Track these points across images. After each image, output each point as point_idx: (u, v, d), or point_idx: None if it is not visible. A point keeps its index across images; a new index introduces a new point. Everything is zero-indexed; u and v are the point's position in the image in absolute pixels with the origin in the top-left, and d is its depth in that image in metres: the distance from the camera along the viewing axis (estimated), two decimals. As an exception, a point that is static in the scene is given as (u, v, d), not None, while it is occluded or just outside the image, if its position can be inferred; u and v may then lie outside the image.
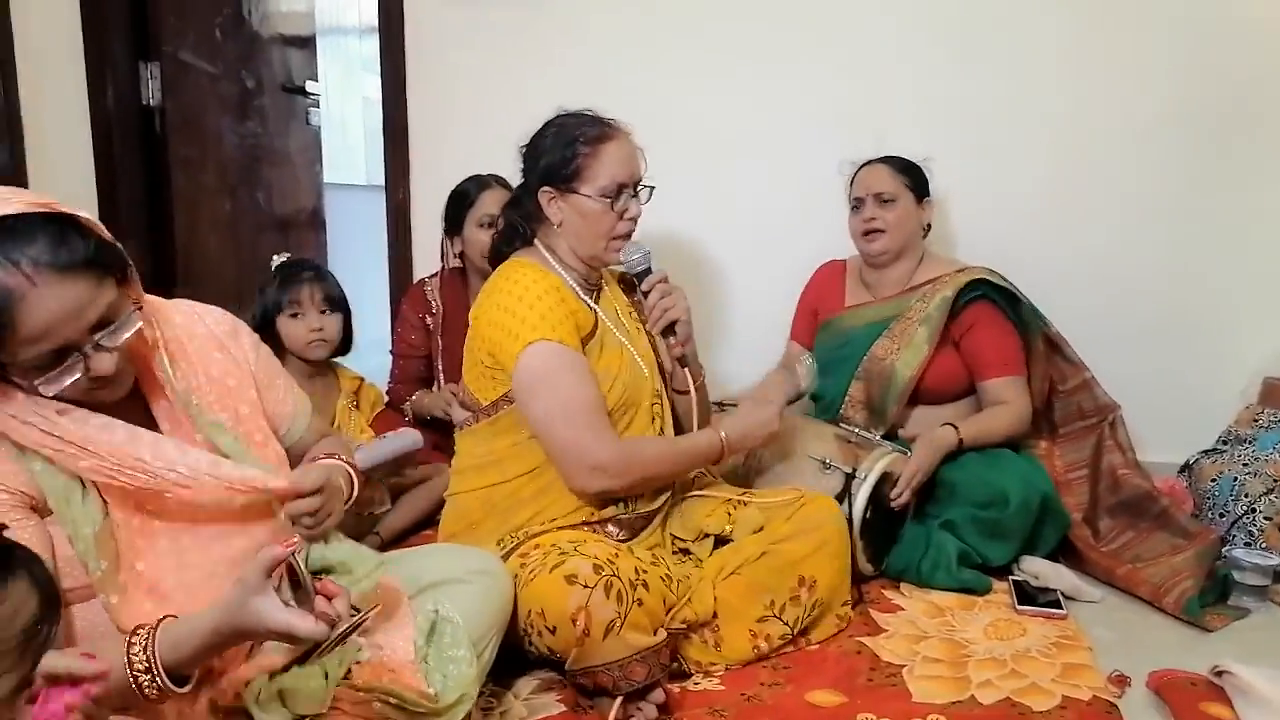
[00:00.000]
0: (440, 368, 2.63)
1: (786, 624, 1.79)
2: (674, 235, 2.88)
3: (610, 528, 1.82)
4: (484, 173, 2.57)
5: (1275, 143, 2.66)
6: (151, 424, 1.26)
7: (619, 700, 1.53)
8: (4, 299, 1.05)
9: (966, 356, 2.36)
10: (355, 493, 1.43)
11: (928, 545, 2.13)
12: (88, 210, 1.18)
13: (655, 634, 1.60)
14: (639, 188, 1.85)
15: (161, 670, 1.07)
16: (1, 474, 1.14)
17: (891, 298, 2.45)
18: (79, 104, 2.87)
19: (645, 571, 1.64)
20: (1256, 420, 2.51)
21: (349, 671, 1.27)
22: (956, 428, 2.23)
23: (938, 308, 2.34)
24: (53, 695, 0.88)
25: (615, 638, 1.53)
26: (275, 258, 2.36)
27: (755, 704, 1.64)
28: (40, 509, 1.17)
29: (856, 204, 2.46)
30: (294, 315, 2.26)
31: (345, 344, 2.38)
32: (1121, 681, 1.71)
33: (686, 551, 1.88)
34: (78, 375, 1.13)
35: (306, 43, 3.85)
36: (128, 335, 1.15)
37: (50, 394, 1.13)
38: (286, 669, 1.22)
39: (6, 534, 0.90)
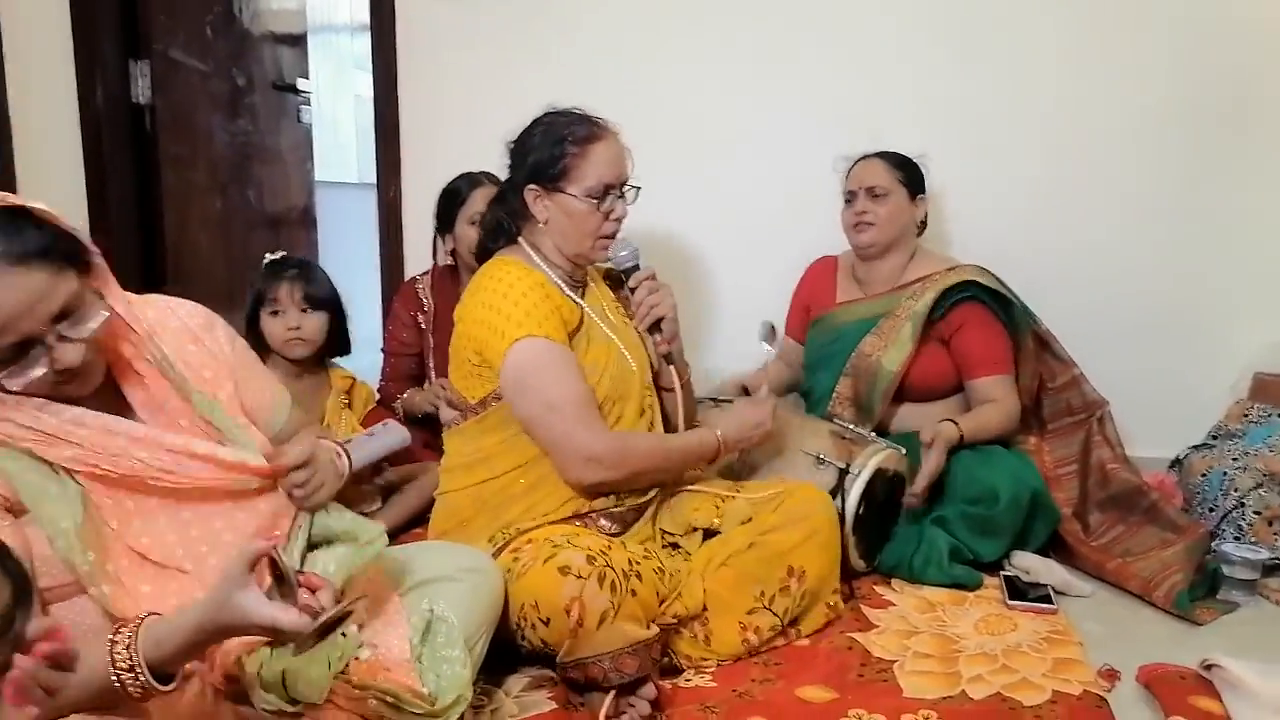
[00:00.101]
0: (432, 365, 2.63)
1: (776, 615, 1.79)
2: (667, 232, 2.88)
3: (602, 521, 1.82)
4: (476, 170, 2.56)
5: (1266, 140, 2.67)
6: (129, 417, 1.26)
7: (610, 695, 1.53)
8: None
9: (956, 355, 2.37)
10: (346, 472, 1.43)
11: (919, 541, 2.13)
12: (78, 209, 1.18)
13: (648, 628, 1.60)
14: (626, 188, 1.85)
15: (145, 668, 1.06)
16: None
17: (882, 294, 2.45)
18: (68, 102, 2.86)
19: (638, 563, 1.66)
20: (1246, 415, 2.52)
21: (346, 667, 1.27)
22: (957, 423, 2.24)
23: (925, 306, 2.35)
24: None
25: (609, 628, 1.53)
26: (268, 255, 2.35)
27: (746, 700, 1.64)
28: (14, 509, 1.16)
29: (849, 197, 2.46)
30: (274, 313, 2.27)
31: (335, 344, 2.37)
32: (1111, 676, 1.72)
33: (676, 546, 1.89)
34: (42, 369, 1.12)
35: (298, 40, 3.84)
36: (93, 326, 1.14)
37: (15, 388, 1.12)
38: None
39: None
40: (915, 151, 2.47)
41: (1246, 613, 2.02)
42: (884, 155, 2.45)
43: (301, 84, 3.77)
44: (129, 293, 1.31)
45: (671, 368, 1.97)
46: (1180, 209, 2.73)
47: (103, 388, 1.24)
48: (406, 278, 2.86)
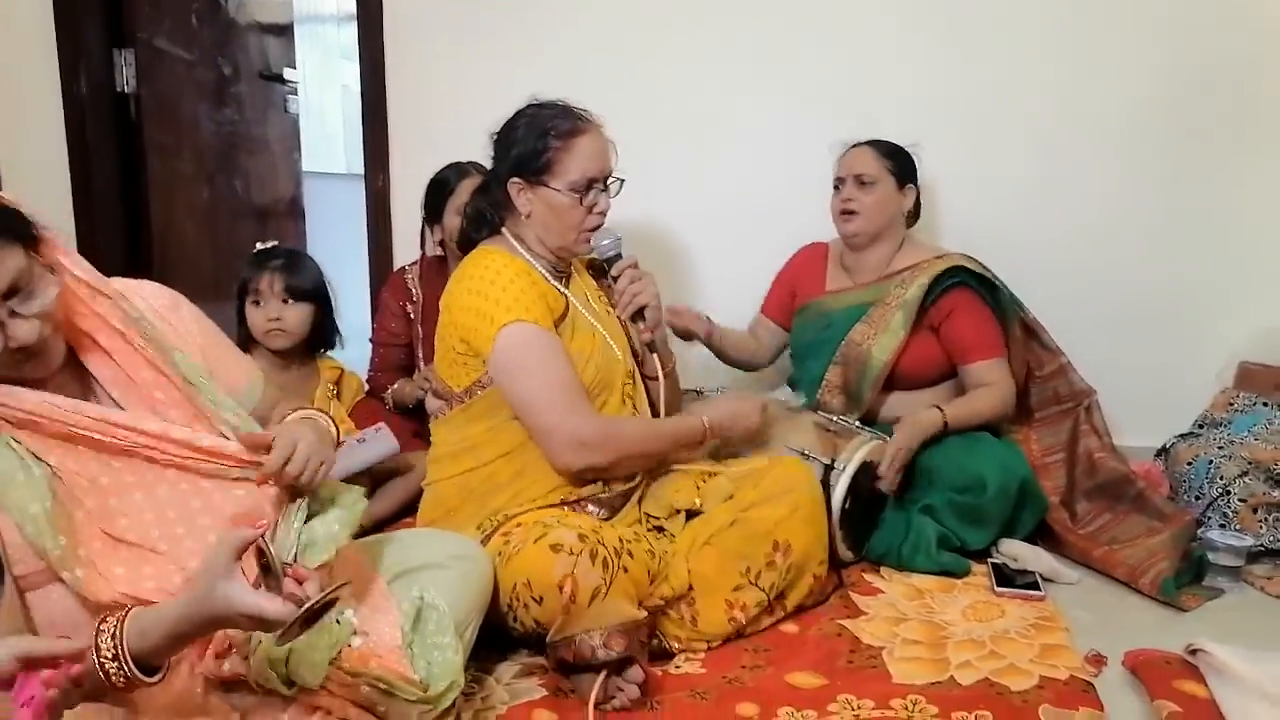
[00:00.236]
0: (421, 356, 2.62)
1: (763, 590, 1.80)
2: (655, 222, 2.87)
3: (590, 508, 1.83)
4: (464, 160, 2.55)
5: (1252, 133, 2.68)
6: (97, 397, 1.25)
7: (601, 677, 1.53)
8: None
9: (947, 342, 2.37)
10: (338, 441, 1.43)
11: (908, 530, 2.14)
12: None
13: (639, 608, 1.61)
14: (609, 181, 1.86)
15: (129, 659, 1.05)
16: None
17: (871, 283, 2.46)
18: (52, 91, 2.84)
19: (629, 542, 1.66)
20: (1232, 404, 2.54)
21: (339, 654, 1.27)
22: (942, 410, 2.24)
23: (915, 293, 2.36)
24: (31, 678, 0.88)
25: (601, 604, 1.54)
26: (259, 244, 2.34)
27: (736, 686, 1.65)
28: None
29: (837, 183, 2.47)
30: (255, 303, 2.26)
31: (319, 336, 2.36)
32: (1098, 661, 1.73)
33: (661, 530, 1.89)
34: None
35: (284, 30, 3.81)
36: (45, 301, 1.13)
37: None
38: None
39: None
40: (909, 141, 2.47)
41: (1231, 599, 2.04)
42: (875, 144, 2.45)
43: (288, 74, 3.75)
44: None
45: (654, 356, 1.98)
46: (1167, 199, 2.74)
47: (67, 368, 1.22)
48: (395, 268, 2.84)
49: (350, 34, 3.35)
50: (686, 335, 2.43)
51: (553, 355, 1.76)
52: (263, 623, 1.06)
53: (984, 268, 2.40)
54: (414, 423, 2.47)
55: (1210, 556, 2.09)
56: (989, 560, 2.14)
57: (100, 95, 2.93)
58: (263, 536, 1.07)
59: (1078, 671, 1.69)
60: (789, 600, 1.87)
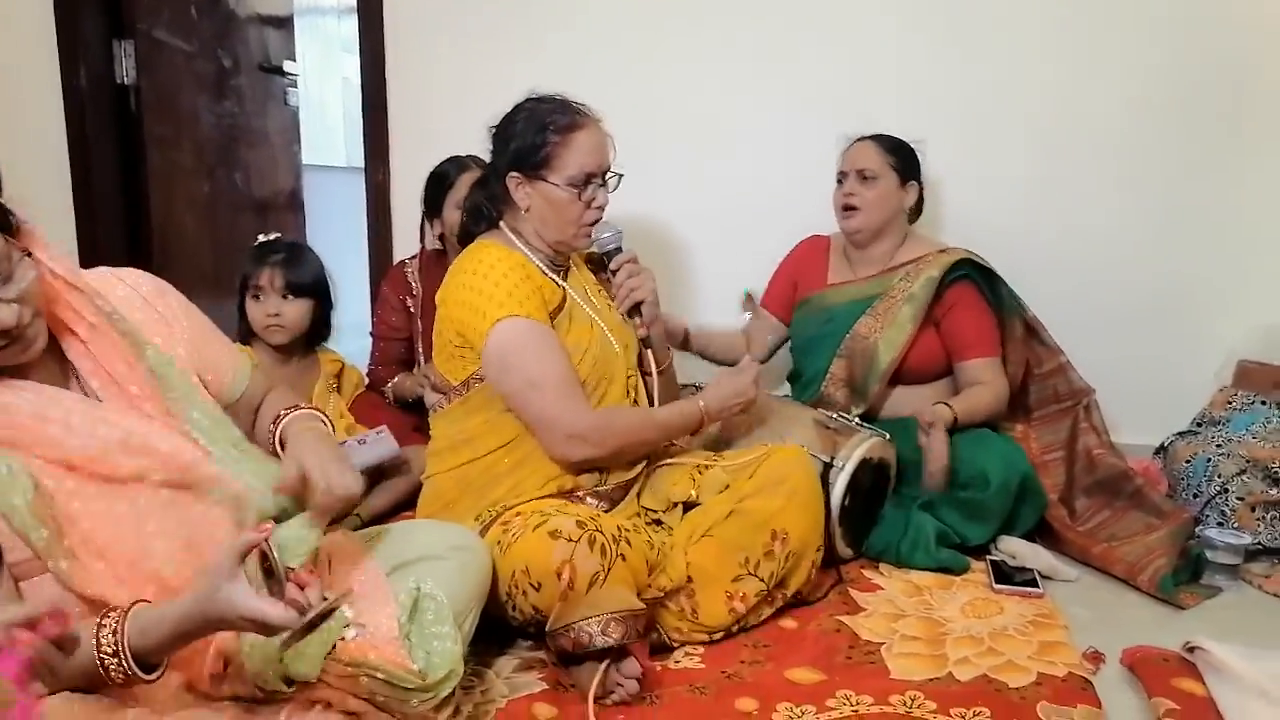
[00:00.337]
0: (421, 349, 2.62)
1: (762, 580, 1.80)
2: (655, 219, 2.88)
3: (589, 500, 1.84)
4: (463, 154, 2.55)
5: (1252, 131, 2.68)
6: (76, 385, 1.24)
7: (600, 670, 1.53)
8: None
9: (946, 337, 2.38)
10: (334, 430, 1.45)
11: (907, 526, 2.14)
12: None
13: (638, 599, 1.61)
14: (608, 176, 1.86)
15: (129, 655, 1.06)
16: None
17: (874, 276, 2.46)
18: (51, 82, 2.83)
19: (627, 531, 1.67)
20: (1230, 402, 2.54)
21: (333, 648, 1.27)
22: (951, 406, 2.25)
23: (923, 287, 2.36)
24: (12, 646, 0.87)
25: (599, 591, 1.55)
26: (261, 236, 2.33)
27: (735, 681, 1.65)
28: None
29: (840, 177, 2.47)
30: (255, 297, 2.25)
31: (318, 330, 2.36)
32: (1096, 658, 1.73)
33: (659, 523, 1.90)
34: None
35: (284, 22, 3.81)
36: (22, 285, 1.13)
37: None
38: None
39: None
40: (913, 137, 2.47)
41: (1229, 597, 2.04)
42: (878, 138, 2.45)
43: (288, 66, 3.74)
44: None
45: (650, 352, 1.98)
46: (1166, 198, 2.74)
47: (49, 356, 1.22)
48: (395, 262, 2.84)
49: (350, 26, 3.35)
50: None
51: (547, 349, 1.76)
52: (264, 627, 1.07)
53: (986, 263, 2.41)
54: (414, 417, 2.47)
55: (1208, 554, 2.09)
56: (988, 557, 2.15)
57: (100, 87, 2.93)
58: (266, 541, 1.07)
59: (1076, 669, 1.69)
60: (788, 587, 1.87)
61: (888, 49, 2.77)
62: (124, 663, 1.06)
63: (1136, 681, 1.66)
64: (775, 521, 1.81)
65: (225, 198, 3.45)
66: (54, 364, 1.24)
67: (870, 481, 2.14)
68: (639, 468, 1.91)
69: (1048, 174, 2.77)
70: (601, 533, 1.60)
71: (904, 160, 2.44)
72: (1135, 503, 2.27)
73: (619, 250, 1.93)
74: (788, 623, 1.87)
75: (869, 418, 2.32)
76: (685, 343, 2.44)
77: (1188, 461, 2.36)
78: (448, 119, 2.84)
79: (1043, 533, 2.28)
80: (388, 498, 2.28)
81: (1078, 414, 2.45)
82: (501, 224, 1.89)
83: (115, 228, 3.00)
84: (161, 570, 1.20)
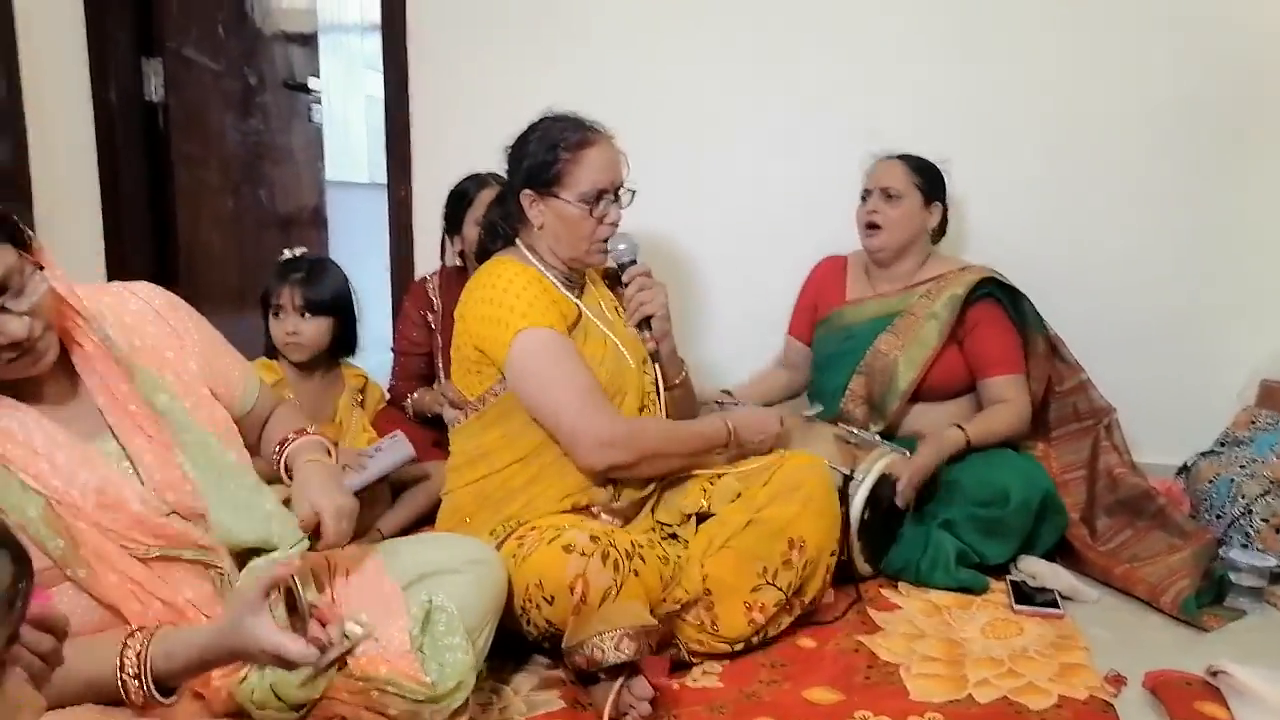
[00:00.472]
0: (441, 365, 2.64)
1: (780, 589, 1.80)
2: (674, 230, 2.89)
3: (604, 516, 1.84)
4: (484, 171, 2.58)
5: (1272, 148, 2.66)
6: (81, 404, 1.27)
7: (615, 689, 1.54)
8: None
9: (969, 355, 2.37)
10: (335, 453, 1.49)
11: (926, 545, 2.13)
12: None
13: (651, 614, 1.62)
14: (620, 192, 1.88)
15: (150, 679, 1.08)
16: None
17: (894, 293, 2.46)
18: (82, 99, 2.87)
19: (641, 547, 1.68)
20: (1254, 422, 2.52)
21: (344, 664, 1.28)
22: (964, 429, 2.24)
23: (945, 305, 2.35)
24: None
25: (611, 606, 1.56)
26: (286, 252, 2.36)
27: (754, 701, 1.65)
28: None
29: (864, 195, 2.47)
30: (275, 314, 2.28)
31: (340, 346, 2.37)
32: (1118, 681, 1.72)
33: (674, 536, 1.90)
34: None
35: (309, 40, 3.86)
36: (34, 299, 1.15)
37: None
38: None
39: None
40: (939, 156, 2.47)
41: (1253, 620, 2.02)
42: (905, 158, 2.46)
43: (313, 83, 3.79)
44: (87, 284, 1.32)
45: (657, 367, 1.99)
46: (1188, 216, 2.73)
47: (60, 370, 1.24)
48: (416, 277, 2.87)
49: (374, 43, 3.39)
50: None
51: (569, 358, 1.78)
52: (284, 661, 1.08)
53: (1009, 281, 2.40)
54: (434, 432, 2.48)
55: (1232, 576, 2.07)
56: (1008, 577, 2.14)
57: (129, 104, 2.97)
58: (292, 577, 1.08)
59: (1097, 691, 1.68)
60: (806, 595, 1.87)
61: (905, 65, 2.77)
62: (145, 686, 1.08)
63: (1159, 705, 1.65)
64: (792, 529, 1.81)
65: (250, 214, 3.49)
66: (64, 377, 1.26)
67: (890, 497, 2.13)
68: (652, 485, 1.91)
69: (1068, 190, 2.76)
70: (615, 548, 1.61)
71: (929, 180, 2.44)
72: (1158, 523, 2.25)
73: (633, 263, 1.94)
74: (806, 642, 1.86)
75: (888, 435, 2.32)
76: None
77: (1210, 482, 2.34)
78: (469, 136, 2.86)
79: (1063, 553, 2.27)
80: (407, 513, 2.29)
81: (1099, 433, 2.43)
82: (517, 241, 1.91)
83: (143, 244, 3.04)
84: (169, 589, 1.23)
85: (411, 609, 1.37)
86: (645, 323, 1.95)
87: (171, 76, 3.06)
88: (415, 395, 2.59)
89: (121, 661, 1.08)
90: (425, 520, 2.28)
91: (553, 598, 1.60)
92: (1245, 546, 2.16)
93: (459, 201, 2.60)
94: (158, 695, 1.09)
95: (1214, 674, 1.66)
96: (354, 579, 1.44)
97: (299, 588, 1.09)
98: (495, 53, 2.94)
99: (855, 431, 2.26)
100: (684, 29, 2.86)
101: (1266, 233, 2.71)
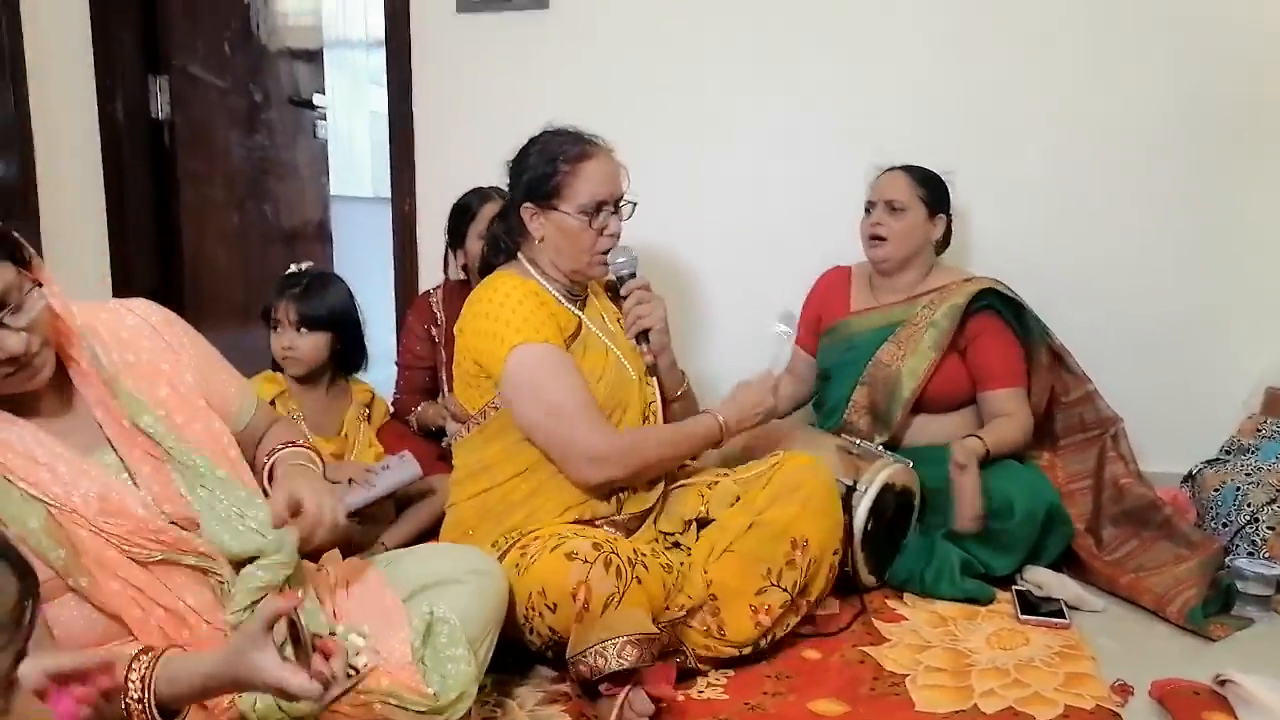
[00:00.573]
0: (445, 378, 2.64)
1: (785, 590, 1.80)
2: (674, 242, 2.90)
3: (606, 529, 1.84)
4: (487, 186, 2.59)
5: (1274, 149, 2.66)
6: (79, 417, 1.28)
7: (619, 702, 1.54)
8: None
9: (971, 366, 2.37)
10: (323, 464, 1.49)
11: (931, 556, 2.13)
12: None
13: (655, 623, 1.62)
14: (621, 204, 1.88)
15: (154, 703, 1.09)
16: None
17: (897, 304, 2.46)
18: (88, 116, 2.90)
19: (644, 555, 1.68)
20: (1259, 430, 2.51)
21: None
22: (982, 438, 2.23)
23: (945, 315, 2.36)
24: (63, 692, 0.89)
25: (614, 613, 1.56)
26: (292, 266, 2.37)
27: (758, 713, 1.64)
28: None
29: (869, 207, 2.48)
30: (273, 329, 2.28)
31: (345, 361, 2.38)
32: (1125, 691, 1.71)
33: (678, 545, 1.90)
34: None
35: (314, 56, 3.89)
36: (32, 315, 1.17)
37: None
38: None
39: None
40: (942, 166, 2.48)
41: (1260, 628, 2.01)
42: (909, 169, 2.46)
43: (317, 99, 3.81)
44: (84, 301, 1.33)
45: (654, 380, 1.99)
46: (1192, 224, 2.72)
47: (56, 385, 1.26)
48: (420, 291, 2.88)
49: (378, 59, 3.41)
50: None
51: (565, 373, 1.79)
52: (286, 695, 1.09)
53: (1012, 292, 2.41)
54: (438, 446, 2.49)
55: (1239, 585, 2.06)
56: (1014, 588, 2.13)
57: (135, 121, 2.99)
58: (295, 609, 1.09)
59: (1104, 701, 1.67)
60: (811, 594, 1.87)
61: (909, 75, 2.78)
62: (148, 710, 1.09)
63: (1165, 715, 1.64)
64: (794, 530, 1.81)
65: (255, 229, 3.51)
66: (61, 392, 1.27)
67: (893, 508, 2.13)
68: (655, 497, 1.92)
69: (1071, 199, 2.76)
70: (617, 555, 1.62)
71: (933, 192, 2.44)
72: (1164, 532, 2.24)
73: (633, 276, 1.95)
74: (811, 653, 1.86)
75: (892, 446, 2.32)
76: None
77: (1216, 490, 2.33)
78: (472, 150, 2.88)
79: (1069, 563, 2.26)
80: (411, 527, 2.29)
81: (1105, 443, 2.42)
82: (519, 255, 1.92)
83: (149, 260, 3.06)
84: (169, 595, 1.24)
85: (413, 620, 1.38)
86: (643, 336, 1.96)
87: (177, 94, 3.08)
88: (420, 409, 2.60)
89: (126, 686, 1.08)
90: (429, 534, 2.27)
91: (555, 605, 1.61)
92: (1252, 555, 2.15)
93: (462, 215, 2.61)
94: (160, 719, 1.10)
95: (1221, 683, 1.65)
96: (355, 591, 1.45)
97: (301, 620, 1.09)
98: (498, 67, 2.96)
99: (857, 442, 2.26)
100: (689, 41, 2.87)
101: (1271, 238, 2.70)
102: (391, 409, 2.64)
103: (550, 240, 1.87)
